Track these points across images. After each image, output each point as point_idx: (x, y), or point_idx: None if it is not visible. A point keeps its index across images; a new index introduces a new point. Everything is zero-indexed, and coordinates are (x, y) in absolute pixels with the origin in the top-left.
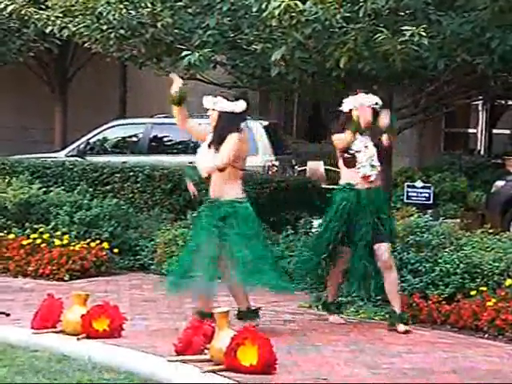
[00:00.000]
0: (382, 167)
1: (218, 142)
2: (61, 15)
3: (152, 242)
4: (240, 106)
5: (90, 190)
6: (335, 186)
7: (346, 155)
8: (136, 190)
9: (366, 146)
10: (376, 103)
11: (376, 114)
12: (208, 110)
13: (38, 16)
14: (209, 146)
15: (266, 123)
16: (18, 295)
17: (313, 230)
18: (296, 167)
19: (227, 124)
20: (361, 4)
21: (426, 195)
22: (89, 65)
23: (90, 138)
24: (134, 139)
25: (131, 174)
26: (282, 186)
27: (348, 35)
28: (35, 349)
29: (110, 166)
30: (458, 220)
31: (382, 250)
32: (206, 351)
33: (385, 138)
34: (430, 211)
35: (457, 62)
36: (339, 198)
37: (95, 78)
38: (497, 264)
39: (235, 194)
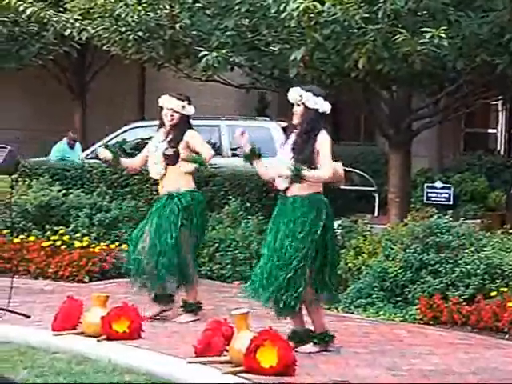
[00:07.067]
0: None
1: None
2: (79, 18)
3: None
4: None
5: (109, 191)
6: (353, 188)
7: None
8: (155, 192)
9: None
10: None
11: None
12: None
13: (56, 18)
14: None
15: (284, 124)
16: (39, 297)
17: None
18: None
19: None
20: (380, 5)
21: (446, 196)
22: (107, 67)
23: (108, 141)
24: None
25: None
26: None
27: (367, 36)
28: (55, 350)
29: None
30: (479, 221)
31: None
32: (225, 353)
33: None
34: (450, 212)
35: (476, 62)
36: None
37: (114, 80)
38: None
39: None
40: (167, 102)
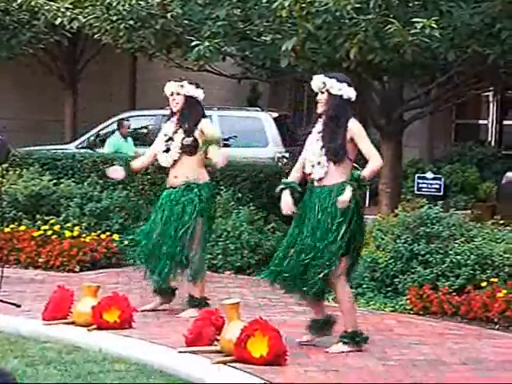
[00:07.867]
0: None
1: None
2: (70, 6)
3: None
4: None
5: (100, 181)
6: None
7: None
8: (146, 182)
9: None
10: None
11: None
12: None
13: (47, 7)
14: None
15: (275, 115)
16: (29, 286)
17: None
18: None
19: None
20: None
21: (437, 186)
22: (98, 56)
23: (99, 130)
24: (144, 131)
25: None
26: None
27: (358, 26)
28: (46, 340)
29: (120, 158)
30: (469, 211)
31: None
32: (216, 342)
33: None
34: (440, 202)
35: (467, 52)
36: None
37: (105, 69)
38: (507, 255)
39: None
40: (167, 88)
